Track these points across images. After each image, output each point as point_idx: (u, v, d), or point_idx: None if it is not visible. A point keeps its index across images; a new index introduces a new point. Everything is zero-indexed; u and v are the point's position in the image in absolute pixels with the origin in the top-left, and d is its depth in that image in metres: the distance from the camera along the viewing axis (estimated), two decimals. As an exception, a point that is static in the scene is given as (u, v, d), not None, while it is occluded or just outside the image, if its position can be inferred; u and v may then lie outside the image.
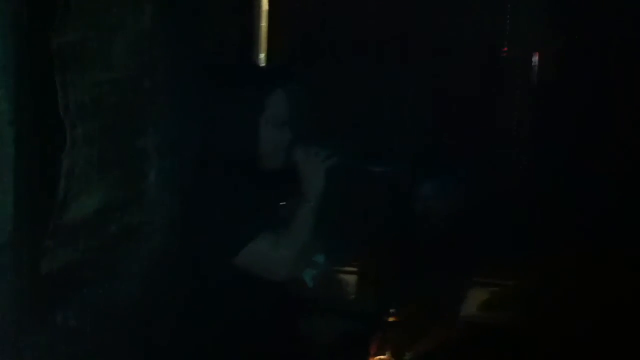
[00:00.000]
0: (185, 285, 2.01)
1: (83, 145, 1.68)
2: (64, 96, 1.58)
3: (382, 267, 3.04)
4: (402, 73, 3.39)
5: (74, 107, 1.64)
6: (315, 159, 1.92)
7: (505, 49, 3.42)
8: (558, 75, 3.19)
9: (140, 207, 2.08)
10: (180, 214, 2.06)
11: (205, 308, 2.00)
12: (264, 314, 2.04)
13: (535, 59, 3.30)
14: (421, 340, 2.92)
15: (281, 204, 2.04)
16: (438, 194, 2.93)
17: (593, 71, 2.75)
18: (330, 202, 1.98)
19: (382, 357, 2.89)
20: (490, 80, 3.39)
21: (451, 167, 3.12)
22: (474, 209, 2.94)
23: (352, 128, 3.40)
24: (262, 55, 3.50)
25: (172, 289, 2.02)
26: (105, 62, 1.83)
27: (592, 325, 2.40)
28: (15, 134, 1.43)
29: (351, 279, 3.31)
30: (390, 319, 2.93)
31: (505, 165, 3.38)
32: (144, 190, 2.11)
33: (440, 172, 3.02)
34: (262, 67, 3.23)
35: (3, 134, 1.41)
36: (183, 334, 1.99)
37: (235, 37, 3.29)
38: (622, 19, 2.55)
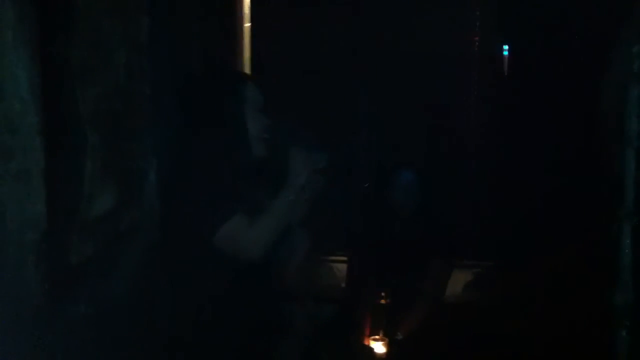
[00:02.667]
0: (177, 271, 2.14)
1: (100, 150, 1.86)
2: (82, 107, 1.76)
3: (371, 255, 3.20)
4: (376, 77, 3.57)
5: (90, 115, 1.82)
6: (305, 162, 2.07)
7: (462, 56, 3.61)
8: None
9: (143, 203, 2.26)
10: (169, 202, 2.21)
11: (193, 292, 2.12)
12: (252, 297, 2.17)
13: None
14: (410, 320, 3.10)
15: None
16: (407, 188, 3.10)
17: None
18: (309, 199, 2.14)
19: (375, 337, 3.07)
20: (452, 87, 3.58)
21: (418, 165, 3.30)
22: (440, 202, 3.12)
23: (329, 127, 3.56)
24: (247, 55, 3.66)
25: (169, 275, 2.17)
26: (110, 74, 2.01)
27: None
28: (44, 142, 1.60)
29: (342, 267, 3.49)
30: (382, 302, 3.11)
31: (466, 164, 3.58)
32: (146, 188, 2.29)
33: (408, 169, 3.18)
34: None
35: (34, 143, 1.58)
36: (179, 317, 2.13)
37: (219, 39, 3.43)
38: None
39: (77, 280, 1.77)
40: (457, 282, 3.47)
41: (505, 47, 3.67)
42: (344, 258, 3.47)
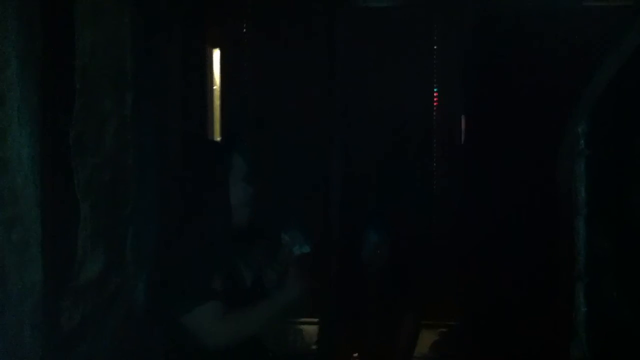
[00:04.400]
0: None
1: (90, 217, 1.97)
2: (76, 178, 1.87)
3: (342, 316, 3.29)
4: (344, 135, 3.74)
5: (83, 185, 1.93)
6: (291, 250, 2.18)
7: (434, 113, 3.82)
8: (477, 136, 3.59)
9: (125, 268, 2.35)
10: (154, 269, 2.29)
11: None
12: None
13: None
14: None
15: None
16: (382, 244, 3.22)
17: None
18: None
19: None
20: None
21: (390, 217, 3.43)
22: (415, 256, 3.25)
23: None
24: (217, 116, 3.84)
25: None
26: (101, 146, 2.14)
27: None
28: (41, 213, 1.71)
29: (312, 328, 3.57)
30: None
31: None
32: (126, 253, 2.38)
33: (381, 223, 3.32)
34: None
35: (33, 214, 1.69)
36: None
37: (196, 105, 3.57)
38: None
39: (68, 344, 1.84)
40: (425, 341, 3.57)
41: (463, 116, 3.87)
42: (315, 320, 3.55)
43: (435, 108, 3.95)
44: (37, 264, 1.70)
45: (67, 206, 1.85)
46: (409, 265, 3.26)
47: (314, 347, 3.61)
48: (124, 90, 2.39)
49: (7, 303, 1.57)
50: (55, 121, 1.80)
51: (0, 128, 1.57)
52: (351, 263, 3.29)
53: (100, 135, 2.09)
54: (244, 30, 3.93)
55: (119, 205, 2.34)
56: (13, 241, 1.61)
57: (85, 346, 1.98)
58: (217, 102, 3.94)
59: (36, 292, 1.68)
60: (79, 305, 1.90)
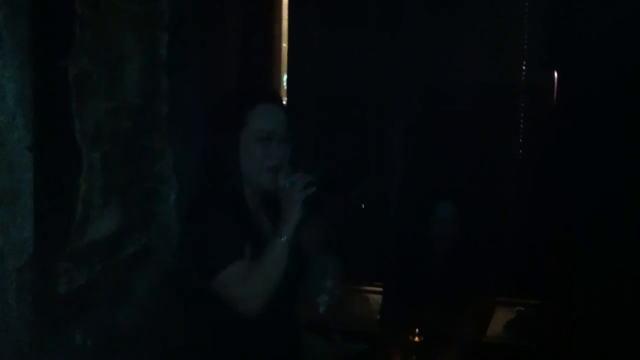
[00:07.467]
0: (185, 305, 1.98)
1: (100, 169, 1.73)
2: (80, 122, 1.63)
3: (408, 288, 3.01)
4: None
5: (91, 132, 1.69)
6: (293, 189, 1.84)
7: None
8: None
9: (153, 228, 2.12)
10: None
11: (206, 324, 1.95)
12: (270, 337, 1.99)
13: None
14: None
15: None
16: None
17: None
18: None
19: (404, 376, 2.85)
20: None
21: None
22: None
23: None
24: (285, 77, 3.56)
25: (175, 308, 2.01)
26: (119, 89, 1.89)
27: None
28: (33, 159, 1.48)
29: (375, 299, 3.31)
30: (415, 339, 2.90)
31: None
32: (156, 212, 2.15)
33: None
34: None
35: (22, 160, 1.46)
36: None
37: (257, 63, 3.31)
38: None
39: (66, 311, 1.63)
40: (498, 321, 3.24)
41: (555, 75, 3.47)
42: (380, 289, 3.29)
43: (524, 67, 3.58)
44: (26, 218, 1.47)
45: (67, 154, 1.62)
46: (480, 241, 2.93)
47: (377, 316, 3.34)
48: (157, 29, 2.14)
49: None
50: (54, 54, 1.56)
51: (-26, 58, 1.33)
52: (420, 233, 2.98)
53: (115, 76, 1.84)
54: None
55: (147, 158, 2.10)
56: (-7, 191, 1.38)
57: (96, 313, 1.76)
58: (284, 61, 3.62)
59: (25, 251, 1.47)
60: (81, 267, 1.68)
